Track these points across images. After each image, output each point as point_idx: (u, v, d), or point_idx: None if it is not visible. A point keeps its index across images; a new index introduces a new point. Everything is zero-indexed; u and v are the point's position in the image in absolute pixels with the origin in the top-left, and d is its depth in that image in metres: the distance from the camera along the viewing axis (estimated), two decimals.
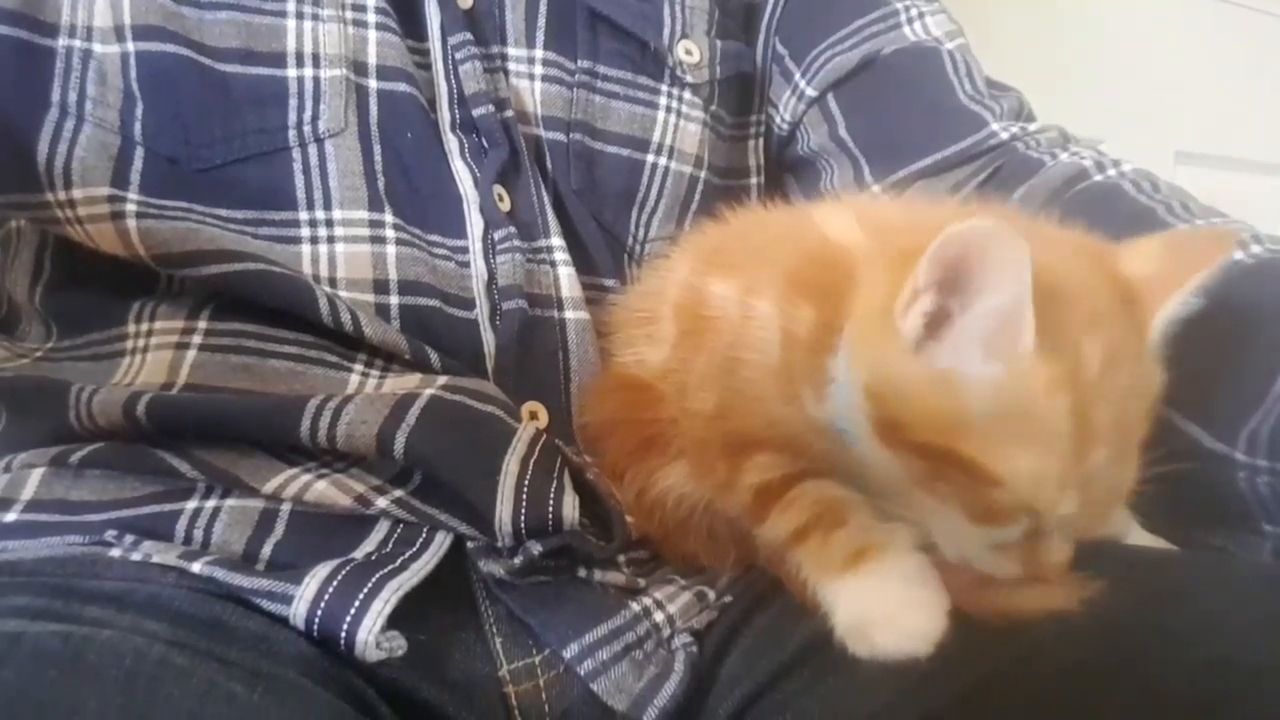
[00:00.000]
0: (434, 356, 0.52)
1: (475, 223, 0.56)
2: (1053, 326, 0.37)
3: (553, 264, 0.57)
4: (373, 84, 0.56)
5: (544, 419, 0.54)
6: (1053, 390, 0.37)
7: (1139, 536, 0.51)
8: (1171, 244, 0.45)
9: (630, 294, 0.58)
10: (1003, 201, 0.58)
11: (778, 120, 0.69)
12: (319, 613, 0.41)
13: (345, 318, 0.51)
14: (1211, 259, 0.43)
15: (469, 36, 0.59)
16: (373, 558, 0.44)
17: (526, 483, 0.46)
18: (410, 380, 0.51)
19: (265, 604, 0.42)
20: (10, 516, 0.46)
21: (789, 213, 0.56)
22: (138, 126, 0.52)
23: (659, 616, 0.47)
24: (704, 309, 0.49)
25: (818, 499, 0.45)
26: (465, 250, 0.56)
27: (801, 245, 0.47)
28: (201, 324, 0.51)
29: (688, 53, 0.64)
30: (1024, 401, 0.38)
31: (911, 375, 0.39)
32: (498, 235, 0.56)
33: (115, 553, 0.43)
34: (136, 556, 0.43)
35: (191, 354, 0.51)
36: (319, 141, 0.54)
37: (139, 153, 0.52)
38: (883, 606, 0.41)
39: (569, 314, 0.57)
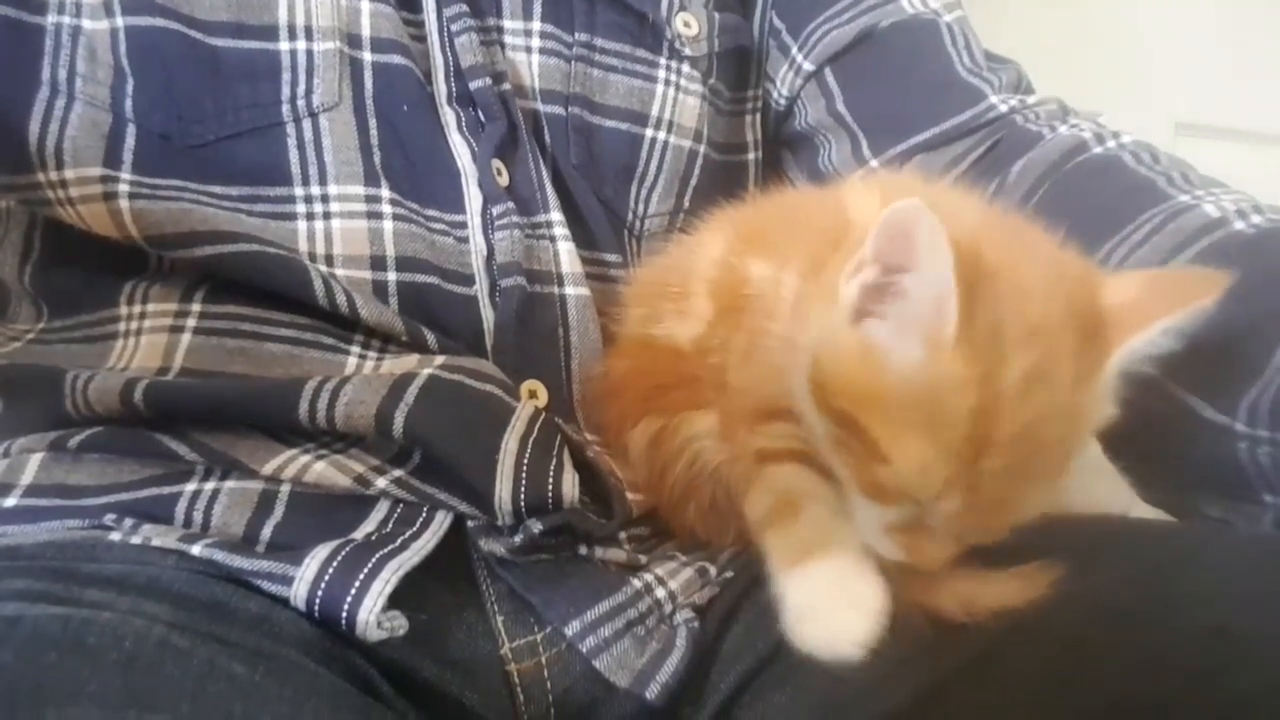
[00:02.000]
0: (431, 337, 0.52)
1: (474, 197, 0.56)
2: (987, 328, 0.37)
3: (552, 239, 0.57)
4: (367, 56, 0.56)
5: (543, 397, 0.54)
6: (962, 387, 0.37)
7: (1139, 508, 0.51)
8: (1158, 279, 0.44)
9: (653, 268, 0.58)
10: (1003, 180, 0.58)
11: (775, 95, 0.68)
12: (319, 593, 0.41)
13: (341, 299, 0.50)
14: (1192, 300, 0.42)
15: (464, 8, 0.59)
16: (373, 538, 0.44)
17: (526, 461, 0.46)
18: (408, 360, 0.51)
19: (265, 585, 0.42)
20: (10, 501, 0.46)
21: (820, 193, 0.56)
22: (129, 103, 0.51)
23: (660, 593, 0.47)
24: (744, 288, 0.49)
25: (784, 488, 0.45)
26: (464, 225, 0.55)
27: (824, 226, 0.47)
28: (195, 306, 0.51)
29: (686, 25, 0.64)
30: (931, 391, 0.38)
31: (842, 342, 0.39)
32: (496, 210, 0.55)
33: (115, 536, 0.43)
34: (136, 540, 0.43)
35: (186, 337, 0.50)
36: (313, 116, 0.54)
37: (131, 130, 0.51)
38: (817, 605, 0.42)
39: (569, 290, 0.56)
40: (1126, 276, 0.44)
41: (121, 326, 0.51)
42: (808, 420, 0.44)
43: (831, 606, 0.41)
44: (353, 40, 0.56)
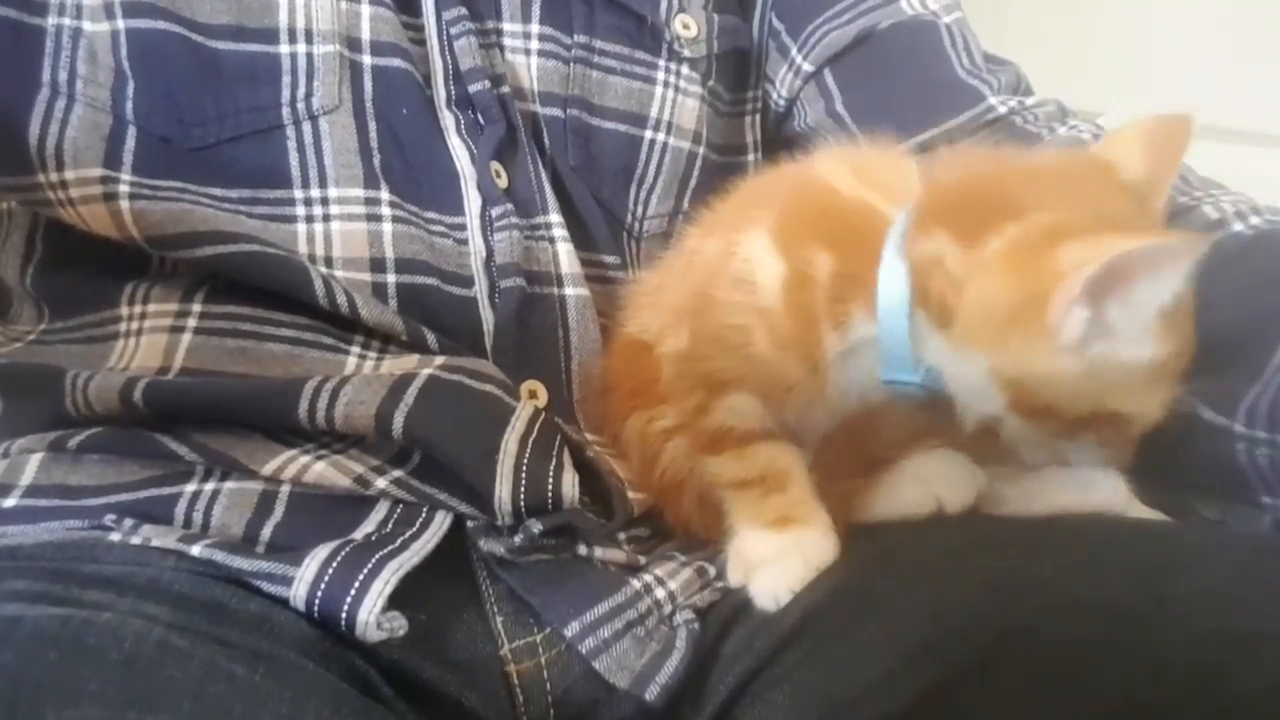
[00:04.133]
0: (431, 337, 0.52)
1: (473, 199, 0.56)
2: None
3: (551, 240, 0.57)
4: (367, 60, 0.56)
5: (543, 397, 0.54)
6: (1175, 340, 0.43)
7: (1137, 509, 0.51)
8: (1147, 141, 0.47)
9: (644, 272, 0.59)
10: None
11: (774, 96, 0.68)
12: (319, 594, 0.41)
13: (341, 299, 0.50)
14: (1183, 145, 0.47)
15: (463, 11, 0.59)
16: (372, 538, 0.44)
17: (525, 461, 0.46)
18: (408, 361, 0.51)
19: (265, 586, 0.42)
20: (9, 502, 0.46)
21: (783, 168, 0.58)
22: (129, 105, 0.52)
23: (660, 593, 0.47)
24: (693, 258, 0.53)
25: (770, 463, 0.49)
26: (463, 227, 0.56)
27: (808, 195, 0.50)
28: (196, 307, 0.51)
29: (685, 27, 0.64)
30: (1153, 363, 0.43)
31: (1068, 370, 0.42)
32: (495, 212, 0.55)
33: (114, 537, 0.43)
34: (136, 540, 0.43)
35: (186, 337, 0.50)
36: (313, 119, 0.54)
37: (131, 132, 0.51)
38: (778, 560, 0.47)
39: (568, 290, 0.56)
40: (1116, 145, 0.48)
41: (122, 327, 0.51)
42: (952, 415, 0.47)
43: (791, 571, 0.46)
44: (352, 43, 0.56)
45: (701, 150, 0.65)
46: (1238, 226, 0.51)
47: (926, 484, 0.49)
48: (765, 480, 0.48)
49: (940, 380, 0.46)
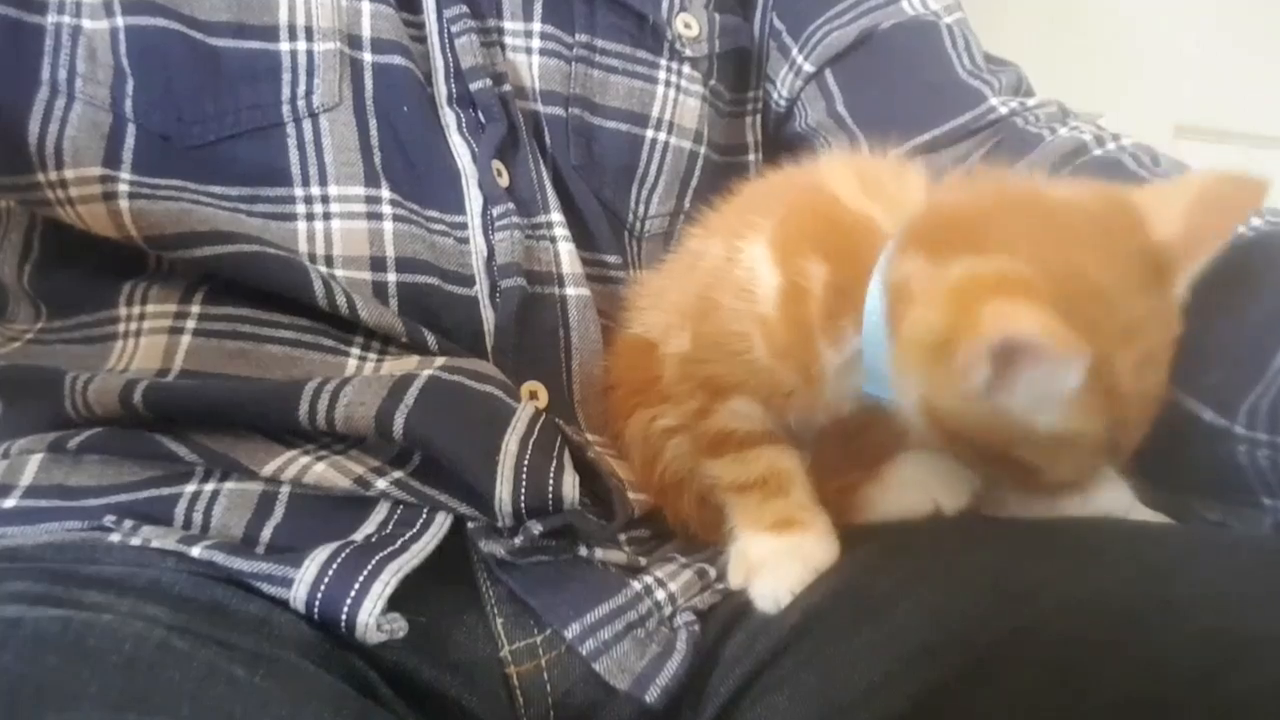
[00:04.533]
0: (431, 338, 0.52)
1: (474, 198, 0.56)
2: (1098, 363, 0.40)
3: (552, 240, 0.57)
4: (367, 57, 0.56)
5: (544, 398, 0.54)
6: (1096, 416, 0.42)
7: (1138, 511, 0.51)
8: (1197, 200, 0.45)
9: (646, 272, 0.60)
10: (1007, 166, 0.58)
11: (775, 96, 0.68)
12: (319, 595, 0.41)
13: (341, 300, 0.50)
14: (1240, 215, 0.45)
15: (465, 10, 0.59)
16: (373, 539, 0.44)
17: (526, 462, 0.46)
18: (408, 362, 0.51)
19: (265, 587, 0.41)
20: (9, 502, 0.46)
21: (788, 172, 0.58)
22: (129, 103, 0.51)
23: (660, 595, 0.47)
24: (696, 261, 0.53)
25: (770, 467, 0.49)
26: (464, 226, 0.55)
27: (810, 203, 0.50)
28: (195, 308, 0.51)
29: (686, 26, 0.64)
30: (1072, 431, 0.42)
31: (972, 408, 0.43)
32: (496, 211, 0.55)
33: (114, 538, 0.43)
34: (136, 541, 0.43)
35: (186, 339, 0.50)
36: (313, 116, 0.54)
37: (130, 130, 0.51)
38: (779, 563, 0.47)
39: (569, 290, 0.56)
40: (1161, 198, 0.45)
41: (121, 328, 0.51)
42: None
43: (791, 575, 0.47)
44: (353, 41, 0.56)
45: (703, 150, 0.65)
46: (1239, 228, 0.50)
47: (923, 486, 0.49)
48: (766, 484, 0.49)
49: None
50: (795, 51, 0.66)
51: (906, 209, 0.47)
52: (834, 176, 0.51)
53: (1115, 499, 0.49)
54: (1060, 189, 0.47)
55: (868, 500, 0.51)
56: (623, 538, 0.50)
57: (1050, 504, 0.48)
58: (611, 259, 0.60)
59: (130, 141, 0.51)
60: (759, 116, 0.70)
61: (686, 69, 0.64)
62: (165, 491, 0.46)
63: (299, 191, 0.53)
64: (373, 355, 0.52)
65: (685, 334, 0.51)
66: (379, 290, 0.53)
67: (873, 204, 0.49)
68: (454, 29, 0.58)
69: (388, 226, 0.54)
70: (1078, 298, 0.41)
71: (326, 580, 0.41)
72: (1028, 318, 0.39)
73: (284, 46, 0.54)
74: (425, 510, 0.46)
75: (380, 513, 0.46)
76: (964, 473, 0.49)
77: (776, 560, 0.47)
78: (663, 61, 0.63)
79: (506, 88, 0.59)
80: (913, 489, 0.50)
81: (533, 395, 0.54)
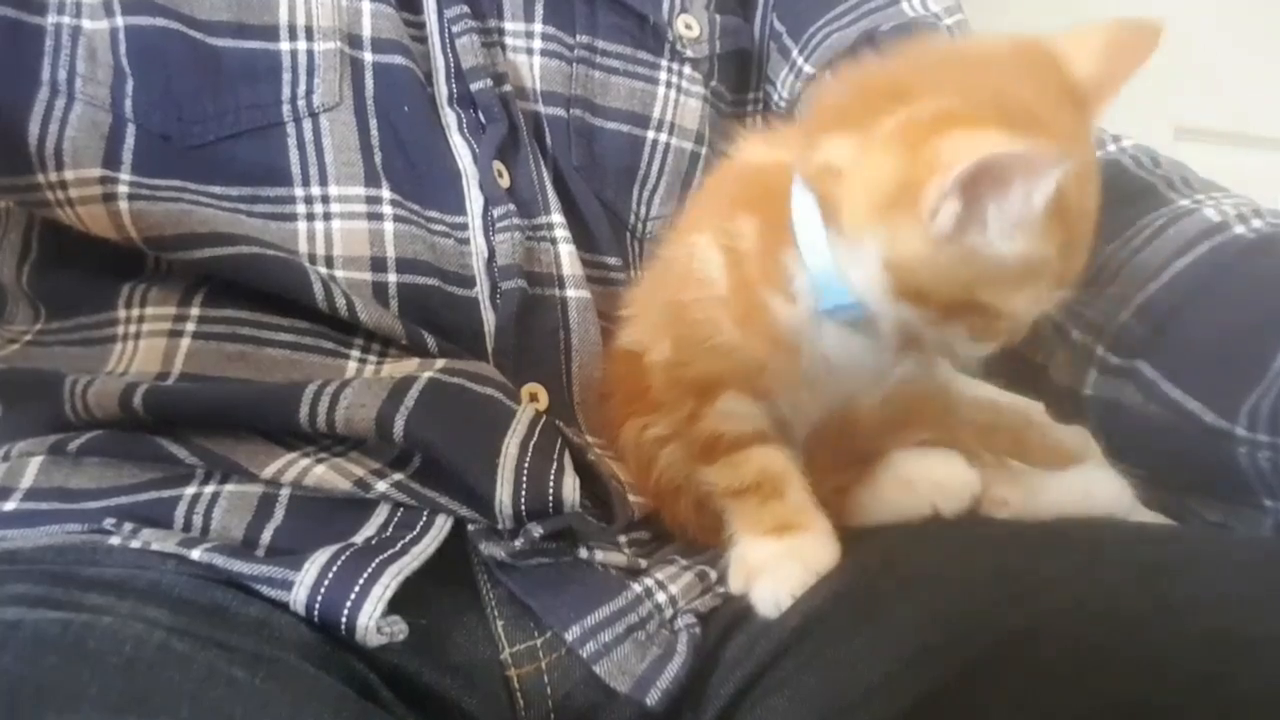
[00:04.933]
0: (431, 340, 0.52)
1: (475, 199, 0.56)
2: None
3: (553, 241, 0.57)
4: (368, 57, 0.56)
5: (544, 400, 0.54)
6: (1055, 235, 0.43)
7: (1139, 513, 0.51)
8: (1105, 44, 0.47)
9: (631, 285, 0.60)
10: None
11: (776, 98, 0.68)
12: (319, 598, 0.41)
13: (340, 302, 0.50)
14: (1141, 58, 0.47)
15: (466, 10, 0.59)
16: (373, 542, 0.44)
17: (526, 464, 0.46)
18: (408, 364, 0.51)
19: (265, 590, 0.41)
20: (9, 505, 0.46)
21: (721, 165, 0.59)
22: (128, 103, 0.51)
23: (661, 597, 0.47)
24: (666, 267, 0.54)
25: (763, 469, 0.49)
26: (465, 227, 0.55)
27: (726, 176, 0.53)
28: (194, 310, 0.51)
29: (687, 27, 0.64)
30: (1029, 258, 0.43)
31: (938, 257, 0.43)
32: (497, 212, 0.55)
33: (114, 540, 0.43)
34: (136, 544, 0.43)
35: (186, 342, 0.50)
36: (313, 116, 0.54)
37: (130, 130, 0.51)
38: (778, 567, 0.47)
39: (570, 292, 0.56)
40: (1077, 40, 0.48)
41: (120, 330, 0.51)
42: (834, 349, 0.48)
43: (793, 578, 0.46)
44: (353, 40, 0.56)
45: (704, 151, 0.65)
46: (1239, 229, 0.50)
47: (920, 489, 0.49)
48: (761, 487, 0.49)
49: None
50: (796, 53, 0.66)
51: None
52: (747, 149, 0.53)
53: (1113, 492, 0.49)
54: (969, 43, 0.50)
55: (863, 502, 0.51)
56: (623, 540, 0.50)
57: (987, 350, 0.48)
58: (612, 260, 0.60)
59: (130, 142, 0.51)
60: (760, 117, 0.70)
61: (687, 70, 0.64)
62: (165, 494, 0.46)
63: (299, 191, 0.53)
64: (373, 357, 0.52)
65: (665, 341, 0.51)
66: (379, 291, 0.53)
67: (780, 151, 0.50)
68: (455, 29, 0.58)
69: (388, 227, 0.54)
70: (1016, 118, 0.41)
71: (327, 583, 0.41)
72: (993, 138, 0.39)
73: (284, 46, 0.54)
74: (425, 512, 0.46)
75: (380, 515, 0.46)
76: (963, 473, 0.49)
77: (776, 564, 0.47)
78: (663, 62, 0.63)
79: (507, 88, 0.59)
80: (909, 492, 0.50)
81: (533, 397, 0.54)
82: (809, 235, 0.46)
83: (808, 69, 0.66)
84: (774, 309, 0.48)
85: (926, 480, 0.50)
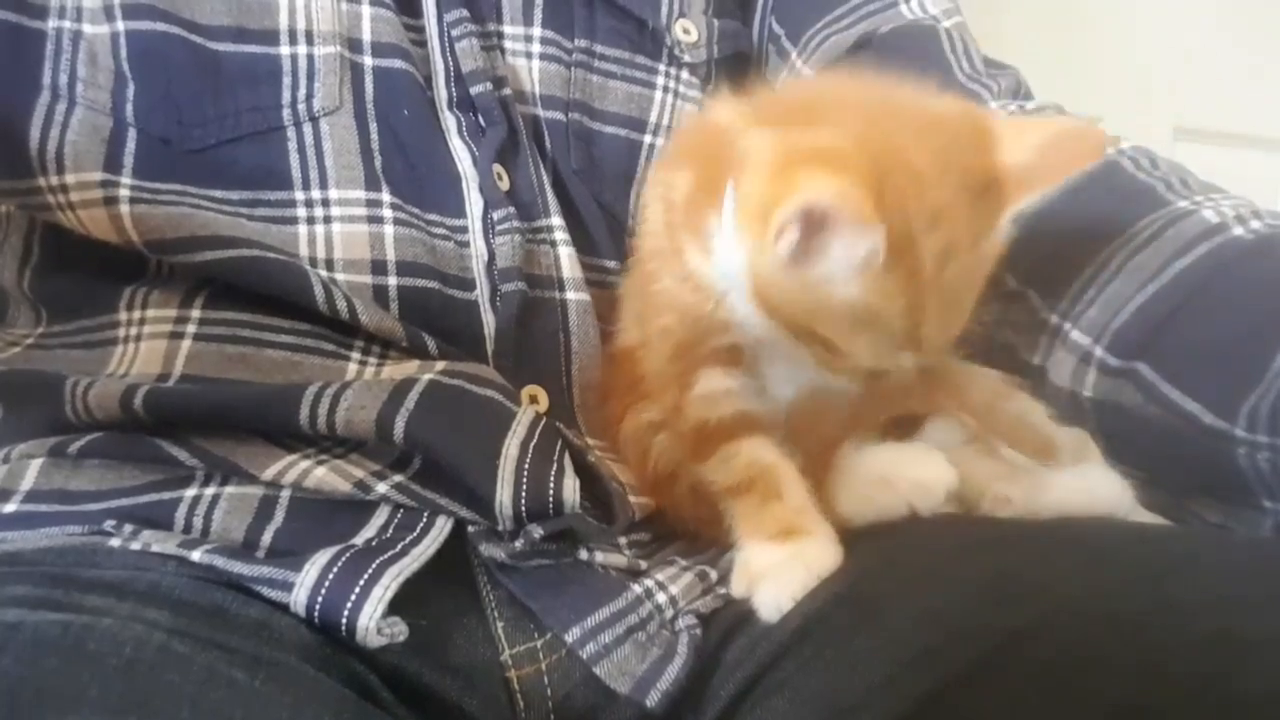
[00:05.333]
0: (431, 343, 0.52)
1: (474, 202, 0.56)
2: (900, 239, 0.42)
3: (553, 244, 0.57)
4: (368, 61, 0.56)
5: (544, 402, 0.54)
6: (892, 296, 0.44)
7: (1139, 513, 0.51)
8: (1049, 141, 0.47)
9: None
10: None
11: None
12: (319, 599, 0.41)
13: (341, 304, 0.50)
14: (1080, 163, 0.47)
15: (465, 14, 0.59)
16: (373, 543, 0.44)
17: (526, 466, 0.46)
18: (408, 366, 0.51)
19: (265, 591, 0.41)
20: (9, 507, 0.46)
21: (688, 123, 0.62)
22: (129, 108, 0.52)
23: (661, 598, 0.47)
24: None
25: (753, 462, 0.49)
26: (465, 230, 0.56)
27: (687, 130, 0.54)
28: (195, 313, 0.51)
29: (685, 32, 0.64)
30: (868, 305, 0.44)
31: (783, 279, 0.44)
32: (497, 215, 0.55)
33: (115, 542, 0.43)
34: (136, 545, 0.43)
35: (186, 344, 0.50)
36: (314, 120, 0.54)
37: (131, 134, 0.51)
38: (781, 571, 0.47)
39: (570, 295, 0.56)
40: (1019, 129, 0.47)
41: (121, 332, 0.51)
42: (747, 327, 0.48)
43: (798, 585, 0.46)
44: (353, 44, 0.56)
45: None
46: (1238, 231, 0.50)
47: (897, 488, 0.49)
48: (755, 483, 0.49)
49: None
50: (794, 55, 0.67)
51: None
52: (714, 107, 0.54)
53: (1114, 492, 0.49)
54: (920, 92, 0.49)
55: (839, 499, 0.51)
56: (623, 541, 0.50)
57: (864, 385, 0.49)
58: (611, 264, 0.60)
59: (131, 146, 0.51)
60: None
61: (685, 74, 0.64)
62: (166, 496, 0.46)
63: (299, 195, 0.53)
64: (373, 359, 0.52)
65: (639, 320, 0.53)
66: (379, 294, 0.53)
67: (740, 116, 0.50)
68: (454, 33, 0.58)
69: (388, 230, 0.54)
70: (890, 174, 0.42)
71: (327, 584, 0.41)
72: (828, 185, 0.40)
73: (284, 50, 0.54)
74: (426, 514, 0.46)
75: (381, 516, 0.46)
76: (939, 470, 0.49)
77: (778, 569, 0.47)
78: (661, 67, 0.63)
79: (507, 91, 0.59)
80: (885, 491, 0.50)
81: (533, 399, 0.54)
82: (731, 210, 0.47)
83: (806, 71, 0.66)
84: (688, 256, 0.49)
85: (903, 478, 0.50)
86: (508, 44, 0.61)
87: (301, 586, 0.41)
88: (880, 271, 0.42)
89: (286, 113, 0.54)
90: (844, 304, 0.44)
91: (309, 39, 0.55)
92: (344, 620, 0.40)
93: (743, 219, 0.45)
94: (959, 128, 0.46)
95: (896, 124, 0.45)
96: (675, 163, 0.51)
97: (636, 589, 0.47)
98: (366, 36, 0.56)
